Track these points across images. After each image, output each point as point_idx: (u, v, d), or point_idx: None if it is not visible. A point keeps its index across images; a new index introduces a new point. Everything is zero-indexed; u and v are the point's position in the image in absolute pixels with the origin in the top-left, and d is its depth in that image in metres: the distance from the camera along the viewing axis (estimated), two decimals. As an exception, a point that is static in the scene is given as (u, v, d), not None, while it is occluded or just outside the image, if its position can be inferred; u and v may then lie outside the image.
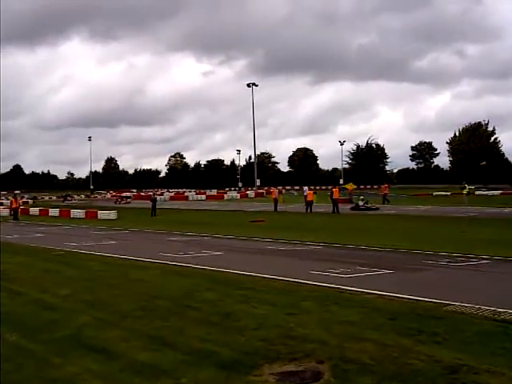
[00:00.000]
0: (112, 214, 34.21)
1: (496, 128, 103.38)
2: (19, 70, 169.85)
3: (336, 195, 35.47)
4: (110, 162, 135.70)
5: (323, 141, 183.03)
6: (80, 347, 6.24)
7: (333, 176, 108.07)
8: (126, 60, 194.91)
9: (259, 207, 42.33)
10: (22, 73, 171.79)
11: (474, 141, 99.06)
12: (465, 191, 41.11)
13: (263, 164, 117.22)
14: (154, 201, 37.71)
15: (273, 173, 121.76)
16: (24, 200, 60.51)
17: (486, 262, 12.71)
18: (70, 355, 5.97)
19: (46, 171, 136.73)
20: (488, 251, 13.98)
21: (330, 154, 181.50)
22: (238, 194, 68.52)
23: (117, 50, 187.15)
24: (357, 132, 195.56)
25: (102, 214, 34.57)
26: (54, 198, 75.30)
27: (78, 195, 79.66)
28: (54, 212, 39.24)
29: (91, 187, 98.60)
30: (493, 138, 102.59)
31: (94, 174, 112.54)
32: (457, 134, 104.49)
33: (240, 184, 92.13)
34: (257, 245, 17.49)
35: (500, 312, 7.43)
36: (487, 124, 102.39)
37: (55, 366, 5.68)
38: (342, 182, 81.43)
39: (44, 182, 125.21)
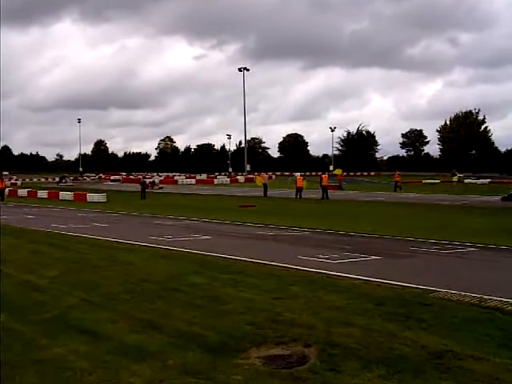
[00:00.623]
0: (101, 197, 34.08)
1: (486, 117, 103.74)
2: (10, 50, 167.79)
3: (325, 182, 35.56)
4: (100, 145, 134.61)
5: (314, 127, 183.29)
6: (67, 329, 6.24)
7: (323, 162, 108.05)
8: (117, 42, 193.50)
9: (249, 192, 42.34)
10: (13, 53, 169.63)
11: (464, 129, 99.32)
12: (455, 178, 41.33)
13: (254, 149, 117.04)
14: (143, 184, 37.82)
15: (263, 158, 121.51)
16: (12, 181, 60.13)
17: (472, 249, 12.82)
18: (57, 336, 5.96)
19: (34, 153, 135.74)
20: (475, 239, 14.09)
21: (321, 140, 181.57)
22: (228, 179, 68.42)
23: (108, 31, 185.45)
24: (348, 119, 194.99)
25: (91, 197, 34.43)
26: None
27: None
28: (42, 194, 39.03)
29: (80, 169, 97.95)
30: (483, 127, 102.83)
31: (83, 156, 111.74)
32: (447, 123, 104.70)
33: (230, 169, 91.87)
34: (246, 229, 17.50)
35: (486, 299, 7.50)
36: (478, 113, 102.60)
37: (42, 347, 5.67)
38: (331, 168, 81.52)
39: (33, 163, 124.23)
